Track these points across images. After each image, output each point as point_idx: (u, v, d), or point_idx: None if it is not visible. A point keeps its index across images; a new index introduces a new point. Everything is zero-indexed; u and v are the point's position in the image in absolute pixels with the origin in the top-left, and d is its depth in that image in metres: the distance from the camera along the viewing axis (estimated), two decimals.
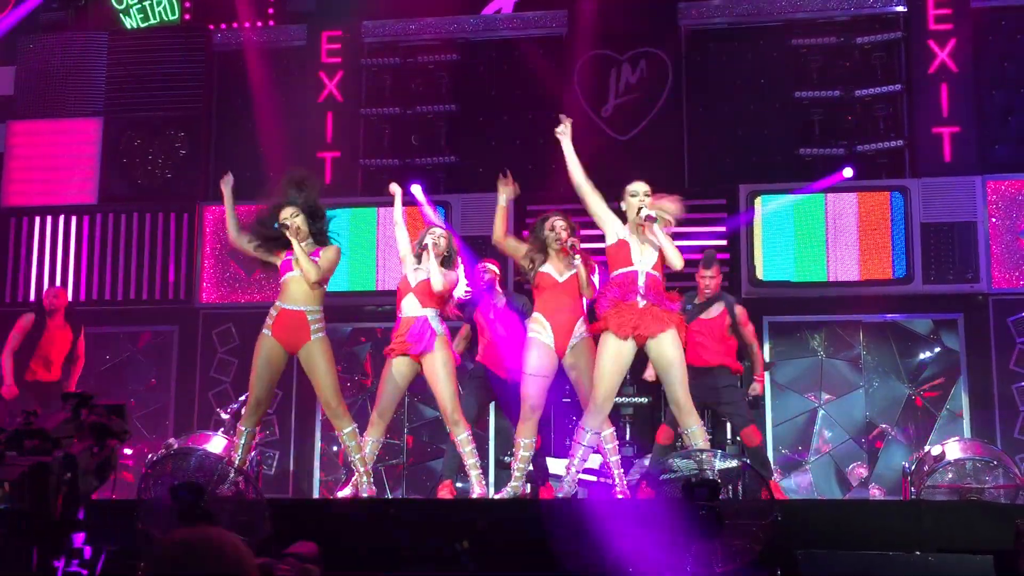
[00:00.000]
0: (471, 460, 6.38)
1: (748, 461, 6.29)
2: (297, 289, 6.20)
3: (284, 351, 6.25)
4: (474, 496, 6.38)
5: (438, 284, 6.33)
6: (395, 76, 10.46)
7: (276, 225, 6.17)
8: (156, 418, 10.07)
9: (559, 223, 6.28)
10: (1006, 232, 9.09)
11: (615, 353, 5.90)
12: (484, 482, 6.54)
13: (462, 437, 6.38)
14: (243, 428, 6.29)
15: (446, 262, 6.50)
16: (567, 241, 6.21)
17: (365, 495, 6.35)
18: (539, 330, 6.26)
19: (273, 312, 6.25)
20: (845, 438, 9.27)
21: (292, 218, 6.20)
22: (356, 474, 6.42)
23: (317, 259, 6.22)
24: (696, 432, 5.92)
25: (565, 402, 8.10)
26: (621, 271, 5.96)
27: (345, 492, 6.52)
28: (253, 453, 7.52)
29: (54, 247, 10.29)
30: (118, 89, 10.43)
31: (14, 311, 10.04)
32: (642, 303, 5.85)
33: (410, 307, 6.38)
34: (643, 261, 5.92)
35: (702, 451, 5.70)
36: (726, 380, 7.41)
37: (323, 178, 10.13)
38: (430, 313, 6.36)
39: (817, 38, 9.70)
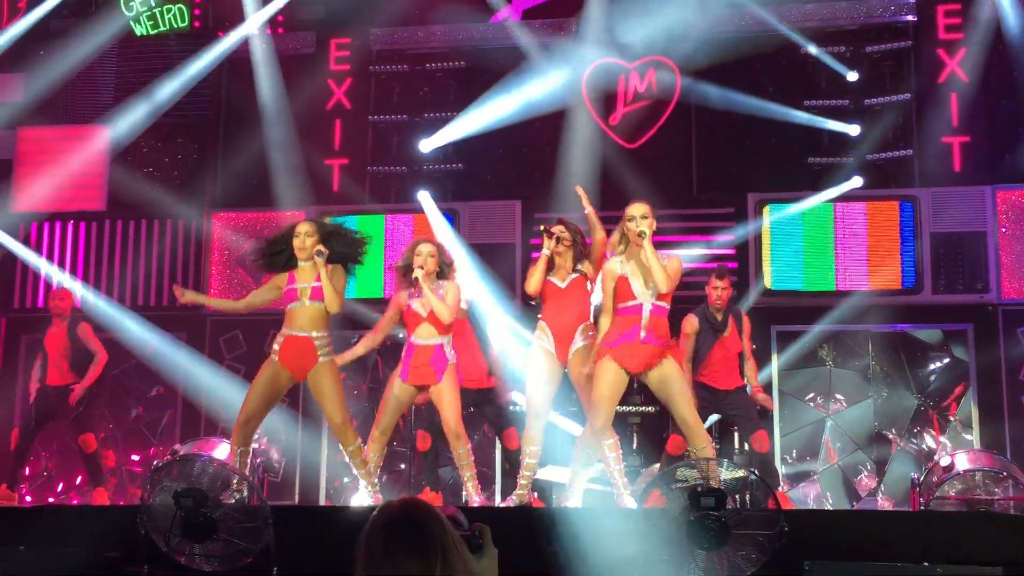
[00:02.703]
0: (468, 472, 6.40)
1: (754, 470, 6.27)
2: (303, 316, 6.20)
3: (290, 377, 6.26)
4: (474, 505, 6.37)
5: (446, 317, 6.30)
6: (403, 83, 10.47)
7: (319, 254, 6.10)
8: (163, 425, 10.07)
9: (553, 231, 6.31)
10: (1016, 242, 9.03)
11: (613, 380, 5.93)
12: (481, 492, 6.53)
13: (462, 451, 6.37)
14: (236, 448, 6.21)
15: (441, 276, 6.43)
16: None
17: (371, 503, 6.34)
18: (541, 337, 6.31)
19: (280, 339, 6.24)
20: (853, 448, 9.23)
21: (306, 236, 6.19)
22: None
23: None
24: (705, 451, 5.90)
25: (571, 411, 8.11)
26: (626, 304, 5.97)
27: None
28: (258, 460, 7.52)
29: (63, 253, 10.33)
30: (128, 96, 10.44)
31: (23, 317, 10.10)
32: (643, 336, 5.86)
33: (425, 335, 6.34)
34: (646, 293, 5.92)
35: (707, 460, 5.68)
36: (736, 392, 7.44)
37: (331, 185, 10.16)
38: (445, 341, 6.35)
39: (826, 47, 9.66)
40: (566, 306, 6.27)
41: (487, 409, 7.56)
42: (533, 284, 6.32)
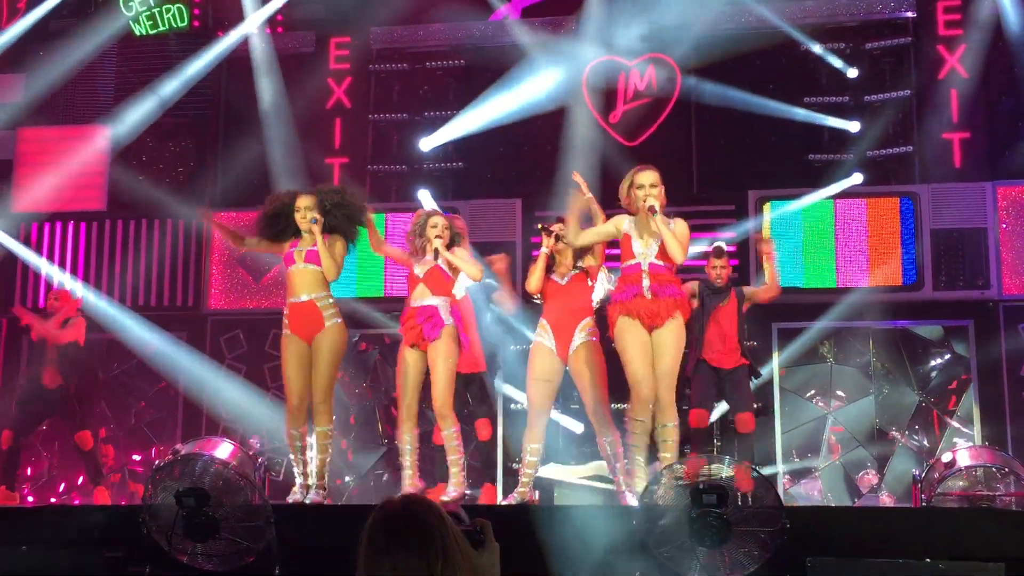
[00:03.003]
0: (453, 456, 6.28)
1: (757, 467, 6.27)
2: (302, 281, 6.23)
3: (306, 346, 6.26)
4: (448, 498, 6.18)
5: (476, 272, 6.30)
6: (403, 82, 10.46)
7: (313, 220, 6.16)
8: (164, 424, 10.07)
9: (552, 229, 6.31)
10: (1016, 238, 9.03)
11: (636, 340, 5.89)
12: (464, 482, 6.41)
13: (449, 432, 6.28)
14: (292, 432, 6.31)
15: (453, 245, 6.39)
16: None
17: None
18: (541, 334, 6.31)
19: (285, 310, 6.29)
20: (855, 445, 9.22)
21: (307, 211, 6.23)
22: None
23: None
24: (670, 429, 5.93)
25: (573, 409, 8.10)
26: (626, 264, 6.01)
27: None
28: (261, 460, 7.52)
29: (63, 253, 10.33)
30: (127, 96, 10.43)
31: None
32: (648, 294, 5.86)
33: (420, 296, 6.29)
34: (645, 252, 5.94)
35: (706, 457, 5.65)
36: (735, 371, 7.48)
37: (331, 184, 10.14)
38: (439, 302, 6.28)
39: (826, 44, 9.65)
40: (567, 303, 6.28)
41: (473, 393, 7.45)
42: (533, 283, 6.33)
